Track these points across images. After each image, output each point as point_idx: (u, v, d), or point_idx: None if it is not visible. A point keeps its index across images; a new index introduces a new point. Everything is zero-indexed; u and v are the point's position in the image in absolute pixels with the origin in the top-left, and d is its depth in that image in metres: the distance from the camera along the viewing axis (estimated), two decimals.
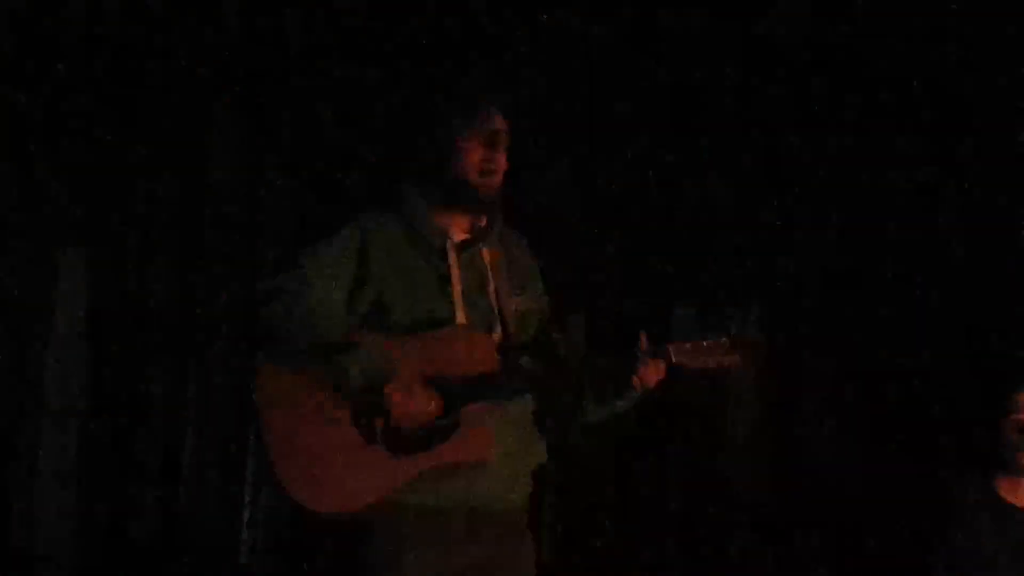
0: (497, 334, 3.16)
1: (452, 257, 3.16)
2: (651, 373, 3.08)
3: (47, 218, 4.50)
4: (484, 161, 3.14)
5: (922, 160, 5.08)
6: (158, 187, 4.62)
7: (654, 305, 4.89)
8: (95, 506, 4.47)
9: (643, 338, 3.08)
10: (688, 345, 3.09)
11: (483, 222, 3.22)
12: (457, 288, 3.14)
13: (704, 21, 4.98)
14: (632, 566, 4.89)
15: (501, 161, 3.17)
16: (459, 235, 3.20)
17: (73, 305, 4.50)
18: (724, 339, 3.09)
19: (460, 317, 3.12)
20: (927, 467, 4.43)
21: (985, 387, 4.13)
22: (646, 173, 5.06)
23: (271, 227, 4.70)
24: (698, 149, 5.08)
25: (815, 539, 4.92)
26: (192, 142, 4.65)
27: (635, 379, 3.08)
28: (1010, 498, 4.02)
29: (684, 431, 5.02)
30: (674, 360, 3.08)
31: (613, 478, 4.96)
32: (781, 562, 4.92)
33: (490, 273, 3.20)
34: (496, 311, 3.18)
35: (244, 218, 4.69)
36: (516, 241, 3.32)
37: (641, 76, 5.03)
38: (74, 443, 4.47)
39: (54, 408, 4.48)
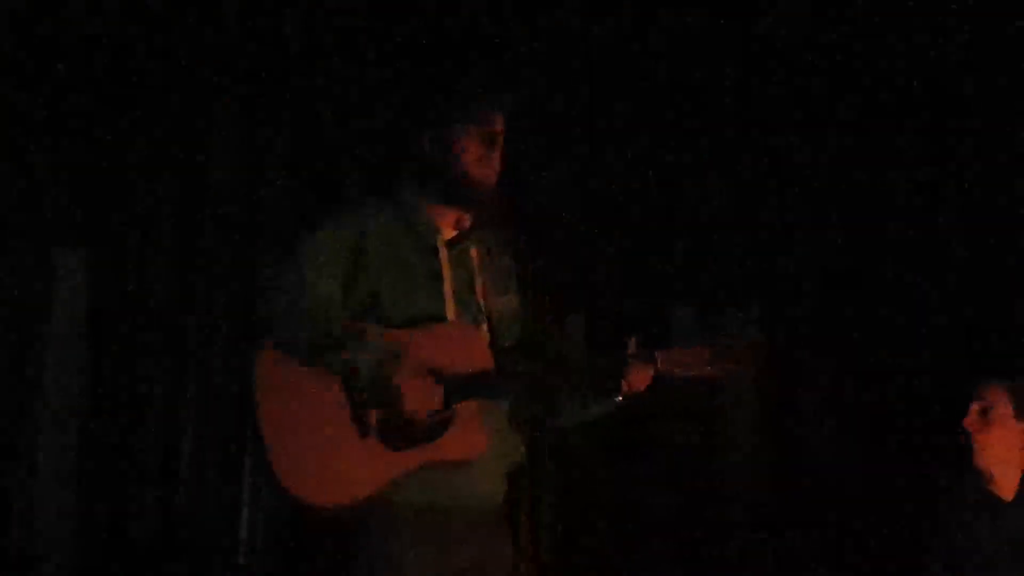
0: (484, 333, 3.16)
1: (443, 254, 3.17)
2: (639, 377, 3.09)
3: (46, 218, 4.50)
4: (481, 159, 3.15)
5: (922, 160, 5.08)
6: (158, 187, 4.62)
7: (654, 305, 4.90)
8: (95, 506, 4.47)
9: (632, 342, 3.10)
10: (677, 352, 3.10)
11: (468, 221, 3.22)
12: (448, 285, 3.15)
13: (704, 21, 4.98)
14: (632, 566, 4.89)
15: (497, 161, 3.17)
16: (448, 232, 3.21)
17: (72, 305, 4.50)
18: (715, 346, 3.09)
19: (451, 314, 3.13)
20: (927, 467, 4.43)
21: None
22: (646, 173, 5.06)
23: (271, 227, 4.70)
24: (698, 149, 5.08)
25: (815, 539, 4.91)
26: (192, 142, 4.65)
27: (623, 382, 3.09)
28: (1000, 493, 4.02)
29: (684, 431, 5.01)
30: (661, 367, 3.10)
31: (613, 478, 4.96)
32: (781, 562, 4.92)
33: (477, 272, 3.21)
34: (483, 310, 3.19)
35: (244, 218, 4.69)
36: (498, 242, 3.31)
37: (641, 76, 5.03)
38: (74, 443, 4.47)
39: (54, 408, 4.47)
